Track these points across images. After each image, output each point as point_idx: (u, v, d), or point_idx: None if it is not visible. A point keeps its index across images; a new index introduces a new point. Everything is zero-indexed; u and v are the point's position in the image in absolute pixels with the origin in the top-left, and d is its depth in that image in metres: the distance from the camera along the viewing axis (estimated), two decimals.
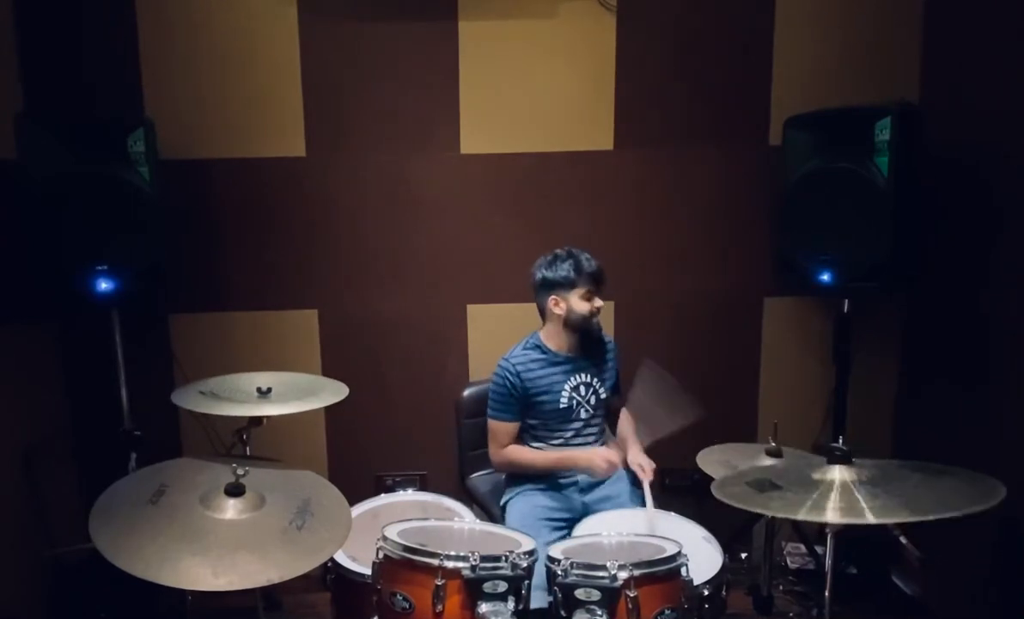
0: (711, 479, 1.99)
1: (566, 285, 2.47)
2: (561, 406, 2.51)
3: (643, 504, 2.36)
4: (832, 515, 1.67)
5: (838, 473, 1.81)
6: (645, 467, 2.39)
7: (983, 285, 2.68)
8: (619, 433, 2.66)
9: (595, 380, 2.56)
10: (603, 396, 2.58)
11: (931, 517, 1.56)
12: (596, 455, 2.41)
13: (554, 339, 2.55)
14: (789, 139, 2.87)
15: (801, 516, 1.70)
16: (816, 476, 1.83)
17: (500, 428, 2.50)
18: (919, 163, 2.63)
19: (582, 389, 2.54)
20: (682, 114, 3.10)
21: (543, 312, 2.55)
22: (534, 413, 2.52)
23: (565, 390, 2.51)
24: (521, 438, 2.54)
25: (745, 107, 3.10)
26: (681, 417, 2.33)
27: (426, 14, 2.99)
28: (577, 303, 2.47)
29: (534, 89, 3.06)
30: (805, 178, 2.76)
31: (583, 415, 2.54)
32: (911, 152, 2.59)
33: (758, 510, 1.75)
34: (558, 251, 2.52)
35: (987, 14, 2.68)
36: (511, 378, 2.48)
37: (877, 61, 3.04)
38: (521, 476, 2.55)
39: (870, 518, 1.62)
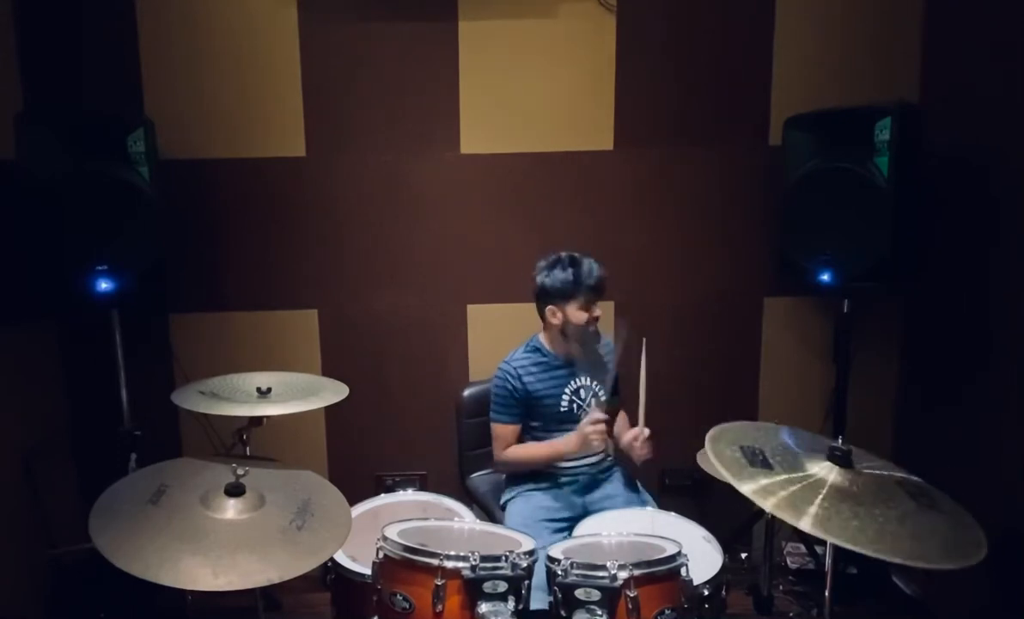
0: (711, 479, 1.98)
1: (563, 296, 2.43)
2: (562, 409, 2.50)
3: (641, 503, 2.35)
4: (791, 515, 1.58)
5: (830, 472, 1.73)
6: (636, 438, 2.32)
7: (983, 284, 2.68)
8: (615, 434, 2.65)
9: (595, 383, 2.55)
10: (603, 399, 2.56)
11: (896, 559, 1.50)
12: (583, 429, 2.33)
13: (554, 343, 2.54)
14: (789, 139, 2.87)
15: (769, 507, 1.61)
16: (810, 468, 1.75)
17: (503, 431, 2.50)
18: (919, 163, 2.62)
19: (582, 392, 2.53)
20: (683, 114, 3.10)
21: (542, 317, 2.55)
22: (535, 416, 2.51)
23: (566, 394, 2.51)
24: (522, 439, 2.54)
25: (745, 107, 3.10)
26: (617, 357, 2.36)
27: (426, 14, 2.99)
28: (574, 314, 2.43)
29: (534, 89, 3.06)
30: (805, 178, 2.76)
31: (583, 418, 2.53)
32: (911, 152, 2.58)
33: (734, 482, 1.64)
34: (562, 255, 2.47)
35: (987, 14, 2.68)
36: (512, 381, 2.47)
37: (877, 61, 3.04)
38: (521, 476, 2.55)
39: (835, 538, 1.53)
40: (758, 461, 1.75)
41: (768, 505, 1.61)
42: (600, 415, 2.33)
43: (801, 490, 1.67)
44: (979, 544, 1.59)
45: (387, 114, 3.04)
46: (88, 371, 3.01)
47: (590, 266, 2.43)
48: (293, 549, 1.66)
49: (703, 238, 3.17)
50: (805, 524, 1.57)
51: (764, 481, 1.68)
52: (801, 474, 1.73)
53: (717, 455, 1.74)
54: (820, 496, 1.66)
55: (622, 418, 2.66)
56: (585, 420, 2.37)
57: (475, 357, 3.19)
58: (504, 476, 2.64)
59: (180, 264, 2.91)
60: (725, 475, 1.69)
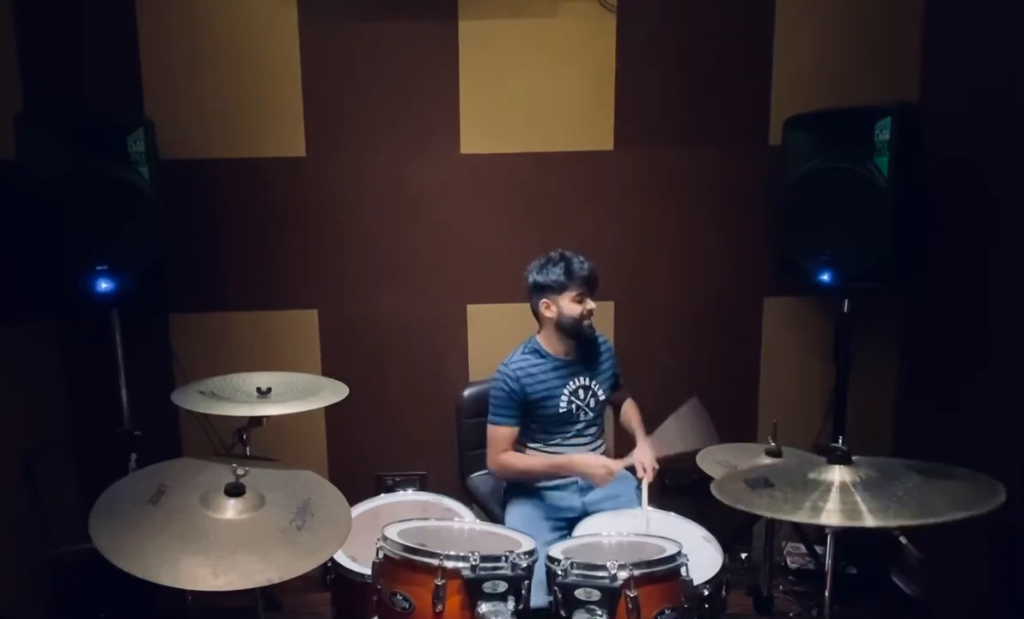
0: (711, 479, 1.99)
1: (556, 288, 2.46)
2: (561, 410, 2.50)
3: (641, 503, 2.36)
4: (825, 517, 1.64)
5: (836, 474, 1.78)
6: (647, 466, 2.38)
7: (983, 284, 2.68)
8: (624, 423, 2.66)
9: (593, 382, 2.55)
10: (601, 398, 2.57)
11: (928, 521, 1.54)
12: (595, 463, 2.39)
13: (551, 343, 2.54)
14: (789, 139, 2.87)
15: (787, 516, 1.68)
16: (813, 476, 1.80)
17: (500, 433, 2.49)
18: (919, 163, 2.63)
19: (581, 392, 2.53)
20: (682, 114, 3.10)
21: (537, 315, 2.55)
22: (534, 417, 2.51)
23: (564, 394, 2.51)
24: (520, 440, 2.54)
25: (745, 107, 3.10)
26: (696, 443, 2.38)
27: (426, 14, 2.99)
28: (568, 306, 2.46)
29: (534, 89, 3.06)
30: (805, 178, 2.76)
31: (582, 418, 2.53)
32: (911, 152, 2.59)
33: (742, 507, 1.72)
34: (551, 254, 2.51)
35: (987, 14, 2.68)
36: (511, 383, 2.47)
37: (877, 61, 3.04)
38: (520, 482, 2.55)
39: (869, 521, 1.59)
40: (760, 485, 1.82)
41: (787, 516, 1.68)
42: (616, 465, 2.38)
43: (815, 497, 1.72)
44: (996, 492, 1.63)
45: (387, 114, 3.04)
46: (88, 371, 3.00)
47: (581, 260, 2.48)
48: (293, 549, 1.66)
49: (703, 238, 3.17)
50: (827, 519, 1.62)
51: (771, 499, 1.74)
52: (806, 484, 1.78)
53: (725, 495, 1.80)
54: (833, 494, 1.70)
55: (630, 406, 2.68)
56: (602, 459, 2.41)
57: (475, 357, 3.19)
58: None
59: (180, 264, 2.91)
60: (739, 506, 1.75)
